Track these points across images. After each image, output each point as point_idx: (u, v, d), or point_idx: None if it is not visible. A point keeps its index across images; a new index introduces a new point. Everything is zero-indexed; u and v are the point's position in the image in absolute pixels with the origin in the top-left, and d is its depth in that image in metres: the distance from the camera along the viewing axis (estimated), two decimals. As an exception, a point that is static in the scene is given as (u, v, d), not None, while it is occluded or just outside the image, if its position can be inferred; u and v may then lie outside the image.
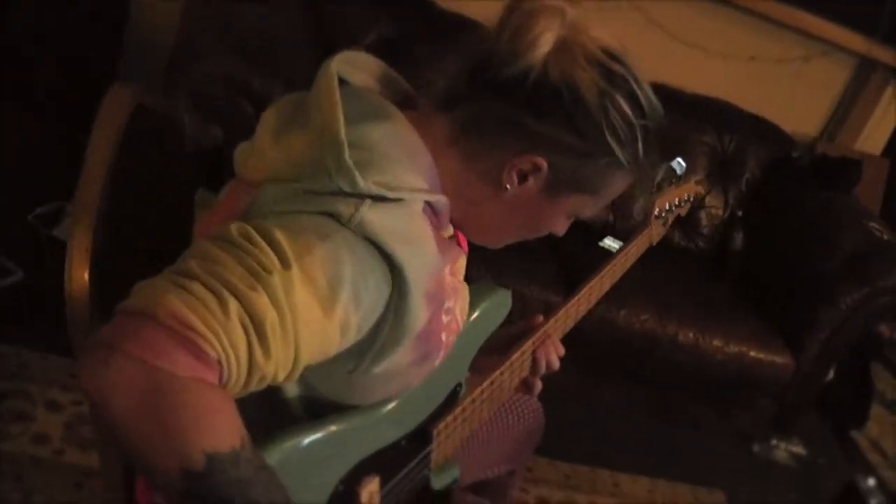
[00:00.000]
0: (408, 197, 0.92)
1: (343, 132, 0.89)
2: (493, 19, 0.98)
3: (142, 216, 1.13)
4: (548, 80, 0.94)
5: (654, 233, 1.57)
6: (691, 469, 2.68)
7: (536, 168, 0.99)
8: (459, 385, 1.20)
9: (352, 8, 2.60)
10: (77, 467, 1.87)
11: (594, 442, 2.61)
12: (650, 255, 2.85)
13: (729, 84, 3.06)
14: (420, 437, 1.14)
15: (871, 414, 3.12)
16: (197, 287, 0.79)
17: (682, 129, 2.92)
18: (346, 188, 0.87)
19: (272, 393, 0.98)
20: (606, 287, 1.47)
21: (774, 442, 2.91)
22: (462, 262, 1.09)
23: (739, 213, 2.96)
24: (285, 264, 0.82)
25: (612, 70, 0.95)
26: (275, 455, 0.94)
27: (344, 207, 0.87)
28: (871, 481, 2.85)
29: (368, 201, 0.88)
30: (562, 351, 1.33)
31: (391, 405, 1.06)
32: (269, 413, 1.00)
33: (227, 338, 0.79)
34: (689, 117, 2.94)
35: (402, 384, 1.03)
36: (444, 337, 1.04)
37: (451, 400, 1.19)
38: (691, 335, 2.55)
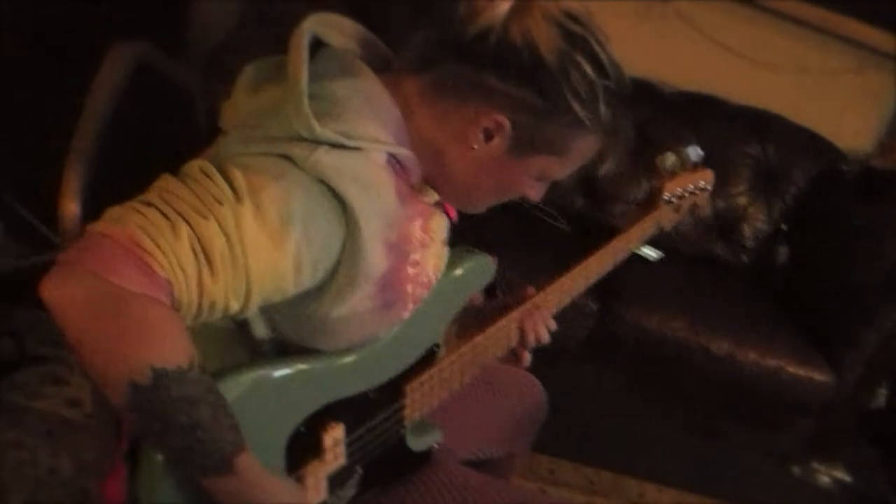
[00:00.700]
0: (366, 146, 0.96)
1: (304, 83, 0.94)
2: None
3: (132, 162, 1.17)
4: (508, 40, 0.96)
5: (663, 217, 1.54)
6: (723, 485, 2.59)
7: (500, 126, 1.01)
8: (437, 345, 1.20)
9: (396, 7, 2.63)
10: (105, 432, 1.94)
11: (622, 449, 2.55)
12: (689, 265, 2.82)
13: (778, 96, 2.99)
14: (390, 390, 1.14)
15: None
16: (152, 213, 0.84)
17: (725, 140, 2.88)
18: (305, 134, 0.92)
19: (244, 331, 1.01)
20: (607, 267, 1.44)
21: (815, 465, 2.81)
22: (439, 223, 1.10)
23: (784, 227, 2.89)
24: (238, 197, 0.87)
25: (571, 30, 0.97)
26: (245, 382, 0.96)
27: (300, 150, 0.92)
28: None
29: (325, 147, 0.92)
30: (552, 325, 1.32)
31: (361, 353, 1.07)
32: (241, 351, 1.03)
33: (175, 258, 0.83)
34: (732, 128, 2.90)
35: (367, 332, 1.05)
36: (409, 289, 1.06)
37: (428, 359, 1.18)
38: (726, 346, 2.49)
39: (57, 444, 1.89)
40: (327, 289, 0.96)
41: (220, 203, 0.86)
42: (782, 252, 2.88)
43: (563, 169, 1.09)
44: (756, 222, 2.94)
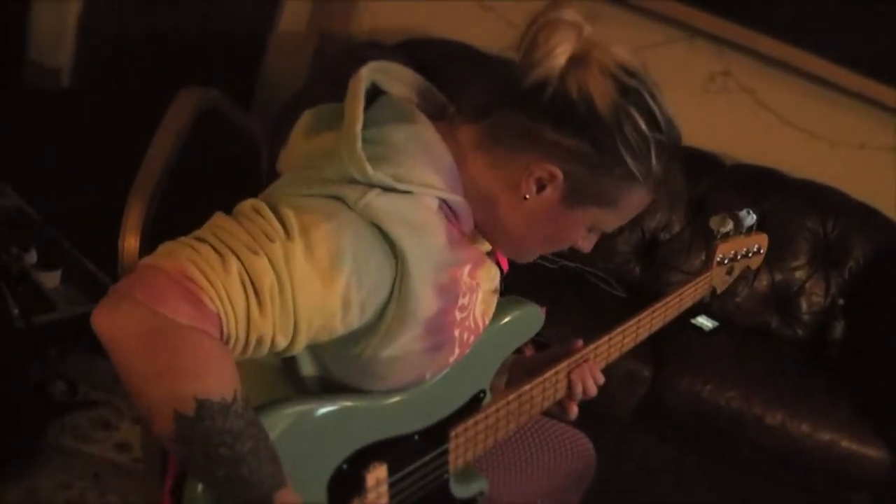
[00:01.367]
0: (418, 190, 0.97)
1: (359, 126, 0.96)
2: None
3: (193, 204, 1.21)
4: (564, 92, 0.98)
5: (716, 279, 1.54)
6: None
7: (552, 177, 1.02)
8: (483, 392, 1.20)
9: (458, 68, 2.69)
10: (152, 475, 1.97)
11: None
12: (744, 336, 2.79)
13: (839, 170, 2.98)
14: (435, 434, 1.14)
15: None
16: (204, 248, 0.87)
17: (784, 213, 2.87)
18: (357, 176, 0.94)
19: (291, 369, 1.03)
20: (657, 325, 1.44)
21: (871, 542, 2.71)
22: (489, 272, 1.11)
23: (841, 302, 2.84)
24: (290, 235, 0.89)
25: (626, 84, 0.99)
26: (288, 417, 0.97)
27: (352, 192, 0.93)
28: None
29: (377, 189, 0.94)
30: (601, 379, 1.31)
31: (406, 395, 1.07)
32: (288, 388, 1.05)
33: (225, 292, 0.85)
34: (792, 201, 2.89)
35: (414, 374, 1.06)
36: (457, 333, 1.07)
37: (474, 405, 1.19)
38: (779, 417, 2.45)
39: (105, 486, 1.92)
40: (376, 329, 0.97)
41: (271, 240, 0.88)
42: (838, 327, 2.83)
43: (614, 220, 1.10)
44: (813, 296, 2.90)
